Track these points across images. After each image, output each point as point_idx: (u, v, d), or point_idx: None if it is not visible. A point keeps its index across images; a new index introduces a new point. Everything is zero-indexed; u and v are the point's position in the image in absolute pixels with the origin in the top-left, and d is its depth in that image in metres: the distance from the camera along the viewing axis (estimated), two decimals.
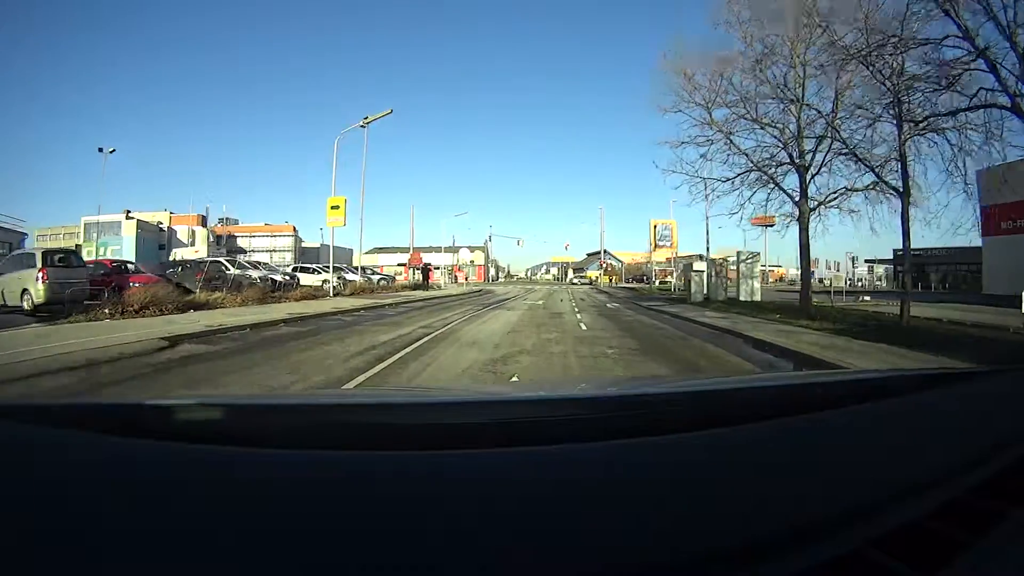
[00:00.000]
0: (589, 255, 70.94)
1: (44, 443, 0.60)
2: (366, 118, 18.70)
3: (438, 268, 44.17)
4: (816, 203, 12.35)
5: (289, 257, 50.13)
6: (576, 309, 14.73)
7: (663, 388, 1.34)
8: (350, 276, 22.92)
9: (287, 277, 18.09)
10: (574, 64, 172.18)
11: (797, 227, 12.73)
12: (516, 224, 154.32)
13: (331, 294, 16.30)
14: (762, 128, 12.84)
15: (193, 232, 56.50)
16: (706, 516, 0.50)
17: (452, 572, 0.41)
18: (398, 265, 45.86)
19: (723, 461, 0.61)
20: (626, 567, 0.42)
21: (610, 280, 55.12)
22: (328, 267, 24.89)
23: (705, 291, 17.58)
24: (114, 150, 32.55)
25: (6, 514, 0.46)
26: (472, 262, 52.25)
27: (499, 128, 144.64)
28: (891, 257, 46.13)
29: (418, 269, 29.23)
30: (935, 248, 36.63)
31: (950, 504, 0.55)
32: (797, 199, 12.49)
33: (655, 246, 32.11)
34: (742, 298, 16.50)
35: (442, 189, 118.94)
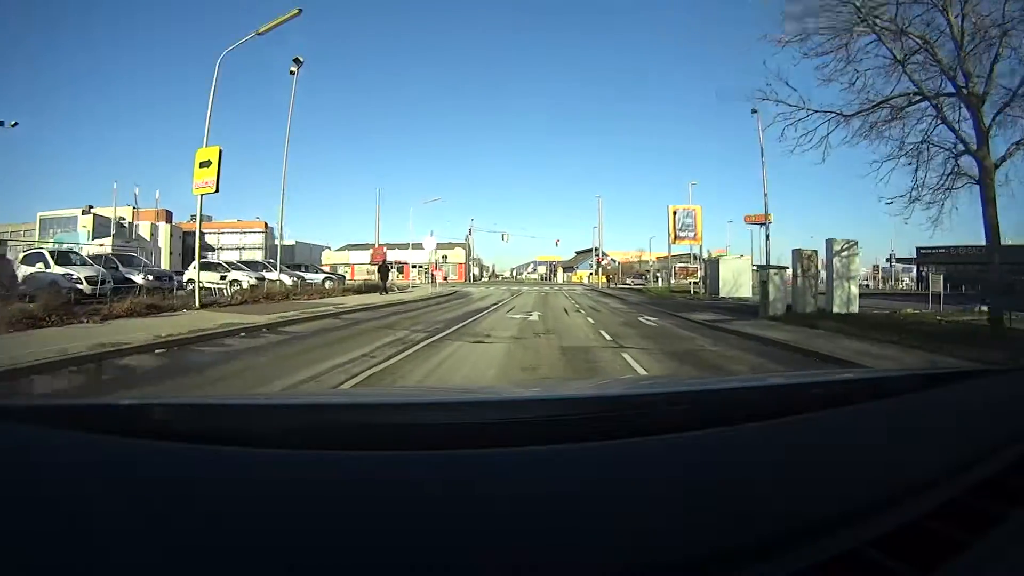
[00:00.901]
0: (578, 253, 65.94)
1: (42, 443, 0.59)
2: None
3: (417, 266, 38.84)
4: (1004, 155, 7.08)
5: (260, 255, 45.04)
6: (606, 335, 8.36)
7: (663, 388, 1.32)
8: (271, 275, 17.25)
9: (149, 278, 12.62)
10: (567, 62, 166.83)
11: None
12: (502, 221, 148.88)
13: (197, 305, 10.78)
14: (903, 36, 7.50)
15: (156, 227, 52.41)
16: (706, 516, 0.50)
17: (452, 572, 0.41)
18: (371, 264, 40.91)
19: (723, 461, 0.61)
20: (626, 567, 0.42)
21: (608, 280, 49.67)
22: (267, 264, 19.49)
23: (791, 299, 11.87)
24: (16, 123, 27.49)
25: (4, 514, 0.45)
26: (446, 258, 46.02)
27: (491, 125, 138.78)
28: (915, 256, 40.98)
29: (380, 266, 23.55)
30: (942, 247, 31.79)
31: (949, 504, 0.54)
32: (976, 148, 7.17)
33: (675, 237, 26.26)
34: (835, 308, 11.06)
35: (427, 185, 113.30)
